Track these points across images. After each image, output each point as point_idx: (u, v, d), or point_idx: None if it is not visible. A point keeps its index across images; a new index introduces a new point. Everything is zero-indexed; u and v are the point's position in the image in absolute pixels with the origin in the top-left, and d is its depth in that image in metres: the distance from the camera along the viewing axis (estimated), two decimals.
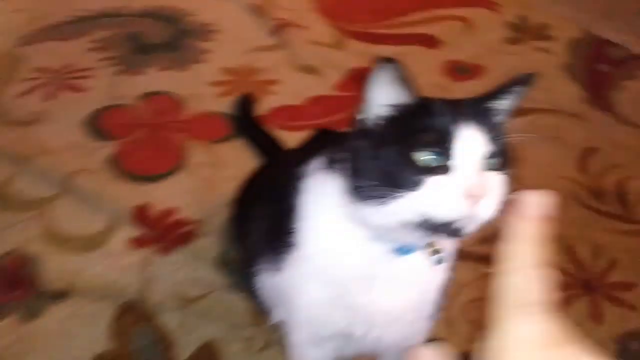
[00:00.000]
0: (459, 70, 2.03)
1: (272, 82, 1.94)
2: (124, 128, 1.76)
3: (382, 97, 0.75)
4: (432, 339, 1.19)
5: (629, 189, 1.63)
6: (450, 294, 1.34)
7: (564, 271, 1.42)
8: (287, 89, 1.92)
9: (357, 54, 2.09)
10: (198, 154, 1.69)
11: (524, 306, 0.40)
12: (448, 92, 1.89)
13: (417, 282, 0.88)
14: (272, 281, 1.02)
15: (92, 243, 1.46)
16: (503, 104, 0.78)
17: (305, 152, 0.98)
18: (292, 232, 0.91)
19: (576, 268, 1.42)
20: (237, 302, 1.34)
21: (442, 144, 0.69)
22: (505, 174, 0.73)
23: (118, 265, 1.42)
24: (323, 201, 0.87)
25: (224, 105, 1.82)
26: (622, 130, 1.83)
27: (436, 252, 0.83)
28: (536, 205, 0.44)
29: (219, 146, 1.72)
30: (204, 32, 2.14)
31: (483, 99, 0.78)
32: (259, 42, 2.10)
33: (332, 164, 0.87)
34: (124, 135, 1.74)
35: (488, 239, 1.53)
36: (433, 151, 0.69)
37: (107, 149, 1.69)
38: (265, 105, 1.83)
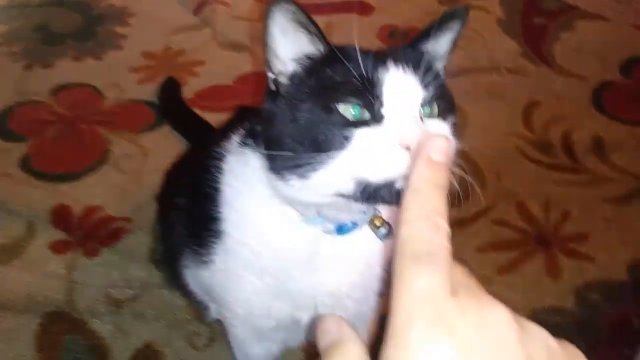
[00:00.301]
0: (395, 35, 1.96)
1: (197, 63, 1.83)
2: (38, 125, 1.62)
3: (288, 48, 0.65)
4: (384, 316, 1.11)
5: (575, 139, 1.59)
6: None
7: (517, 228, 1.36)
8: (213, 69, 1.81)
9: None
10: (121, 146, 1.57)
11: (420, 257, 0.36)
12: None
13: (362, 259, 0.79)
14: (200, 277, 0.92)
15: (10, 251, 1.33)
16: (439, 45, 0.70)
17: (226, 132, 0.87)
18: (216, 219, 0.81)
19: (529, 224, 1.38)
20: (174, 299, 1.24)
21: (368, 91, 0.59)
22: (449, 122, 0.64)
23: (40, 272, 1.30)
24: (246, 181, 0.77)
25: (147, 92, 1.70)
26: (562, 81, 1.79)
27: (381, 225, 0.73)
28: (439, 149, 0.41)
29: (144, 136, 1.60)
30: (119, 16, 2.00)
31: (416, 42, 0.69)
32: (179, 22, 1.98)
33: (250, 137, 0.77)
34: (38, 133, 1.60)
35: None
36: (359, 101, 0.59)
37: (20, 149, 1.55)
38: (191, 88, 1.72)
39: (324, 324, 0.42)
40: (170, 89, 1.65)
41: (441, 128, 0.62)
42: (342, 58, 0.62)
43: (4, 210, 1.41)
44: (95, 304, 1.24)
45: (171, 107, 1.62)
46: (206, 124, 1.50)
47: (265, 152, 0.67)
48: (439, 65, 0.71)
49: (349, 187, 0.60)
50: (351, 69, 0.61)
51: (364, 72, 0.60)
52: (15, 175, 1.48)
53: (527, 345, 0.36)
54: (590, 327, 1.16)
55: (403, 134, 0.56)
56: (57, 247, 1.34)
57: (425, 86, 0.62)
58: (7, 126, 1.61)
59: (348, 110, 0.60)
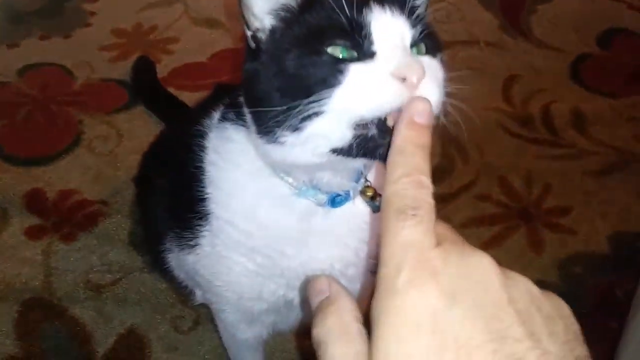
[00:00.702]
0: None
1: (171, 40, 1.77)
2: (6, 108, 1.56)
3: (263, 2, 0.62)
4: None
5: (554, 112, 1.59)
6: None
7: (499, 203, 1.36)
8: (188, 46, 1.76)
9: None
10: (95, 127, 1.52)
11: (405, 210, 0.39)
12: None
13: (355, 235, 0.77)
14: (185, 261, 0.89)
15: None
16: None
17: (205, 110, 0.84)
18: (201, 200, 0.78)
19: (511, 199, 1.38)
20: (156, 282, 1.22)
21: (356, 32, 0.57)
22: (438, 58, 0.62)
23: (16, 259, 1.26)
24: (230, 157, 0.75)
25: (119, 70, 1.65)
26: (540, 54, 1.79)
27: (374, 197, 0.71)
28: (420, 112, 0.43)
29: (117, 116, 1.55)
30: None
31: None
32: None
33: (233, 110, 0.74)
34: (7, 116, 1.54)
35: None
36: (348, 42, 0.57)
37: None
38: (165, 66, 1.67)
39: (316, 284, 0.44)
40: (144, 67, 1.61)
41: (431, 63, 0.60)
42: (327, 3, 0.60)
43: None
44: (74, 290, 1.22)
45: (145, 87, 1.58)
46: (181, 104, 1.47)
47: (254, 113, 0.64)
48: (421, 3, 0.67)
49: (344, 136, 0.57)
50: (336, 8, 0.58)
51: (348, 13, 0.58)
52: None
53: (509, 289, 0.38)
54: (574, 300, 1.15)
55: (398, 64, 0.54)
56: (33, 233, 1.30)
57: (413, 25, 0.60)
58: None
59: (337, 50, 0.57)
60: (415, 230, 0.39)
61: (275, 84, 0.60)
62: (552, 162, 1.46)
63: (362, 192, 0.72)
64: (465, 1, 1.98)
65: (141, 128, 1.51)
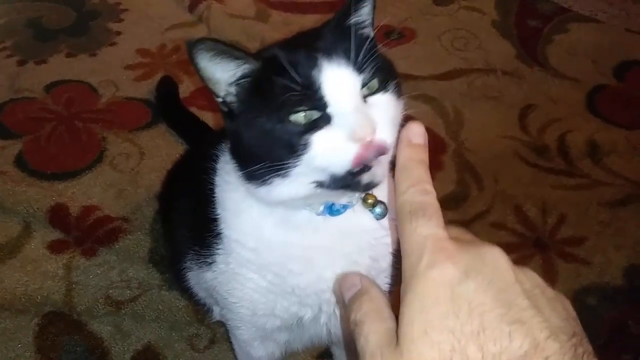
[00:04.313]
0: (390, 36, 1.96)
1: None
2: (32, 123, 1.59)
3: (223, 76, 0.67)
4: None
5: (570, 143, 1.60)
6: None
7: (514, 231, 1.37)
8: None
9: (281, 24, 1.99)
10: (118, 144, 1.55)
11: (416, 212, 0.47)
12: None
13: (364, 245, 0.78)
14: (204, 277, 0.92)
15: (6, 251, 1.32)
16: (363, 15, 0.71)
17: (222, 134, 0.88)
18: (214, 219, 0.82)
19: (526, 227, 1.38)
20: (174, 300, 1.24)
21: (311, 96, 0.63)
22: (391, 88, 0.67)
23: (38, 272, 1.28)
24: (233, 180, 0.78)
25: (143, 89, 1.69)
26: (557, 84, 1.80)
27: (375, 204, 0.73)
28: (416, 134, 0.51)
29: (140, 134, 1.58)
30: (113, 12, 1.98)
31: (340, 19, 0.70)
32: (174, 19, 1.96)
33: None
34: (33, 130, 1.57)
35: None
36: (306, 107, 0.63)
37: (15, 147, 1.53)
38: (187, 87, 1.70)
39: (347, 279, 0.53)
40: (167, 87, 1.64)
41: (383, 101, 0.66)
42: (280, 67, 0.64)
43: (1, 209, 1.39)
44: (94, 305, 1.23)
45: (168, 106, 1.61)
46: (202, 124, 1.49)
47: (238, 165, 0.70)
48: (368, 31, 0.73)
49: (318, 179, 0.65)
50: (293, 75, 0.63)
51: (300, 80, 0.63)
52: (10, 173, 1.46)
53: (517, 273, 0.45)
54: (588, 331, 1.17)
55: (352, 129, 0.61)
56: (55, 247, 1.33)
57: (361, 70, 0.64)
58: (1, 123, 1.59)
59: (299, 117, 0.63)
60: (428, 225, 0.46)
61: (253, 143, 0.66)
62: (567, 192, 1.47)
63: (363, 200, 0.73)
64: (482, 29, 2.00)
65: (163, 147, 1.53)
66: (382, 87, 0.66)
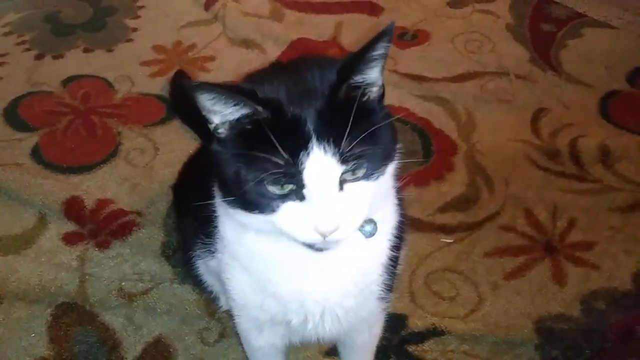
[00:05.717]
0: (404, 37, 1.97)
1: (207, 59, 1.83)
2: (49, 116, 1.62)
3: (220, 115, 0.68)
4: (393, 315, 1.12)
5: (581, 147, 1.60)
6: (410, 267, 1.29)
7: (524, 234, 1.38)
8: (224, 65, 1.82)
9: (296, 24, 2.00)
10: (133, 139, 1.57)
11: None
12: (394, 60, 1.83)
13: (353, 263, 0.80)
14: (210, 265, 0.98)
15: (22, 242, 1.34)
16: (370, 76, 0.69)
17: None
18: (214, 212, 0.85)
19: (536, 231, 1.39)
20: (186, 293, 1.25)
21: (294, 175, 0.65)
22: (376, 176, 0.68)
23: (53, 263, 1.30)
24: None
25: (158, 85, 1.71)
26: (569, 88, 1.80)
27: (365, 223, 0.73)
28: None
29: (155, 130, 1.60)
30: (129, 8, 2.00)
31: (344, 74, 0.67)
32: (190, 17, 1.98)
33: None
34: (49, 124, 1.60)
35: (446, 208, 1.47)
36: (284, 182, 0.66)
37: (32, 139, 1.55)
38: None
39: None
40: (181, 83, 1.65)
41: (361, 191, 0.68)
42: (274, 129, 0.64)
43: (16, 200, 1.41)
44: (107, 297, 1.25)
45: (182, 102, 1.62)
46: None
47: (217, 187, 0.75)
48: (376, 94, 0.71)
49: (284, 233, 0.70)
50: (276, 155, 0.64)
51: (286, 159, 0.64)
52: (26, 166, 1.49)
53: None
54: (596, 335, 1.17)
55: (316, 225, 0.66)
56: (69, 239, 1.34)
57: (344, 161, 0.65)
58: (19, 115, 1.61)
59: (277, 188, 0.66)
60: None
61: (231, 179, 0.69)
62: (578, 197, 1.47)
63: None
64: (496, 33, 2.00)
65: (177, 142, 1.55)
66: (366, 176, 0.68)
